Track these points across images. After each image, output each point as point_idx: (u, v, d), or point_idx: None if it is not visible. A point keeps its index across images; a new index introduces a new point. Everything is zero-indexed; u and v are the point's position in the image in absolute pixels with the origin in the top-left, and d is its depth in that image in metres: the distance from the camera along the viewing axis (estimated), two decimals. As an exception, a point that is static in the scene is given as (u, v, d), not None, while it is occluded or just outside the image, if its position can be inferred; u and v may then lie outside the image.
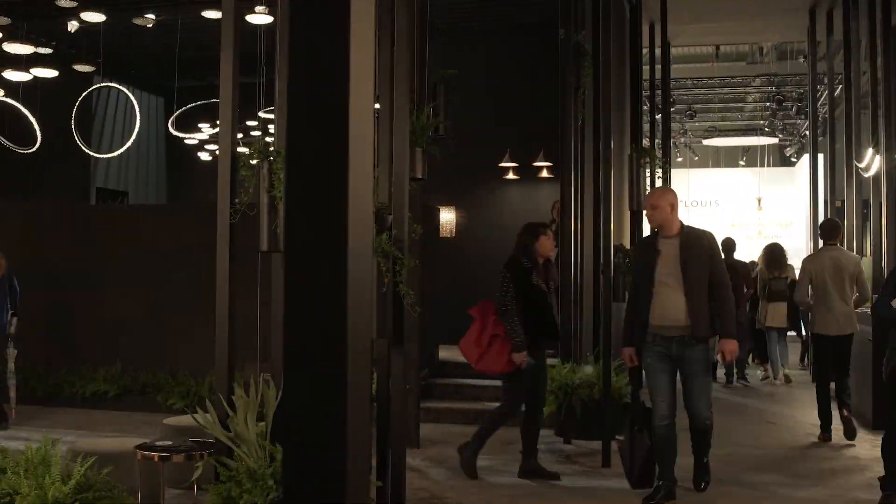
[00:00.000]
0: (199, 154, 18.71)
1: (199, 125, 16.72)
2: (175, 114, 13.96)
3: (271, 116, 13.38)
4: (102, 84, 14.84)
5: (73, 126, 13.70)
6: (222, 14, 5.64)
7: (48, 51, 11.68)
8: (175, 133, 15.26)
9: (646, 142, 15.04)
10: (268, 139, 16.30)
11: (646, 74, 15.52)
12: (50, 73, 10.90)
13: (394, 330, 5.74)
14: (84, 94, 14.21)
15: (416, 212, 6.16)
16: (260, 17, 10.42)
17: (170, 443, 6.05)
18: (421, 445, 8.62)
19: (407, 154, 6.09)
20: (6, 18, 10.07)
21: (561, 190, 9.53)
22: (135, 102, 13.58)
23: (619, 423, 7.50)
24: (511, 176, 14.10)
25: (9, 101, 12.27)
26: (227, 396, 5.32)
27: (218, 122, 15.64)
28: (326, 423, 0.97)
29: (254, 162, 5.36)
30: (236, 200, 5.49)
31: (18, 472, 4.69)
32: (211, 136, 16.56)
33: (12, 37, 10.72)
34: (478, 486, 7.19)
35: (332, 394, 0.96)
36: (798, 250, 22.25)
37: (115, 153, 15.12)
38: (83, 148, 14.22)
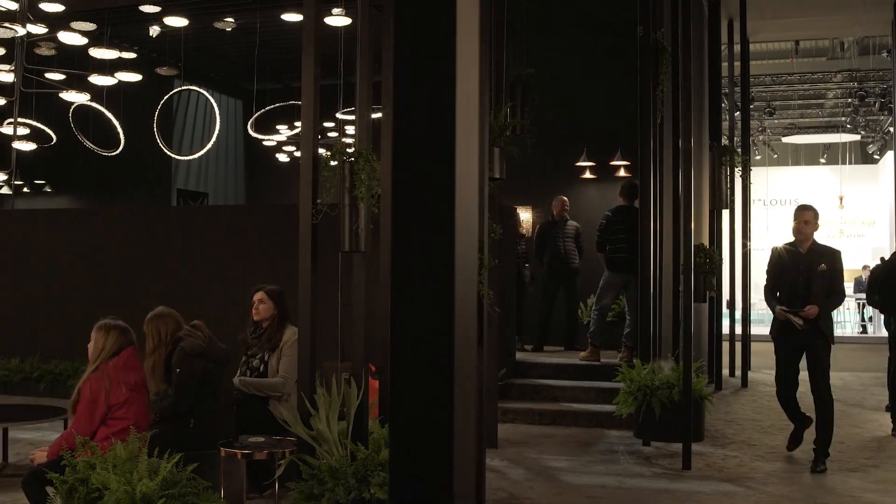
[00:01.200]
0: (277, 155, 18.94)
1: (277, 127, 16.92)
2: (254, 116, 14.15)
3: (349, 118, 13.49)
4: (183, 87, 15.09)
5: (154, 129, 13.96)
6: (304, 17, 5.69)
7: (132, 55, 11.91)
8: (254, 135, 15.47)
9: (724, 140, 14.84)
10: (345, 140, 16.44)
11: (724, 71, 15.31)
12: (134, 77, 11.12)
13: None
14: (166, 98, 14.47)
15: (494, 212, 6.15)
16: (338, 20, 10.50)
17: (253, 440, 6.13)
18: (499, 446, 8.61)
19: (486, 153, 6.09)
20: (92, 24, 10.30)
21: (640, 189, 9.42)
22: (215, 105, 13.79)
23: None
24: (588, 175, 14.02)
25: (94, 104, 12.55)
26: (309, 395, 5.37)
27: (296, 124, 15.85)
28: (435, 421, 0.97)
29: (335, 163, 5.40)
30: (318, 201, 5.54)
31: (107, 468, 4.79)
32: (289, 137, 16.75)
33: (97, 42, 10.95)
34: (557, 486, 7.16)
35: (440, 392, 0.96)
36: (881, 250, 21.75)
37: (196, 155, 15.37)
38: (165, 150, 14.49)
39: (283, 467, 5.40)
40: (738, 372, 13.40)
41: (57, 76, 11.31)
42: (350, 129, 15.99)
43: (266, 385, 7.03)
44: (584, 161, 13.83)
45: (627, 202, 10.68)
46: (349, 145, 5.84)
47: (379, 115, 5.97)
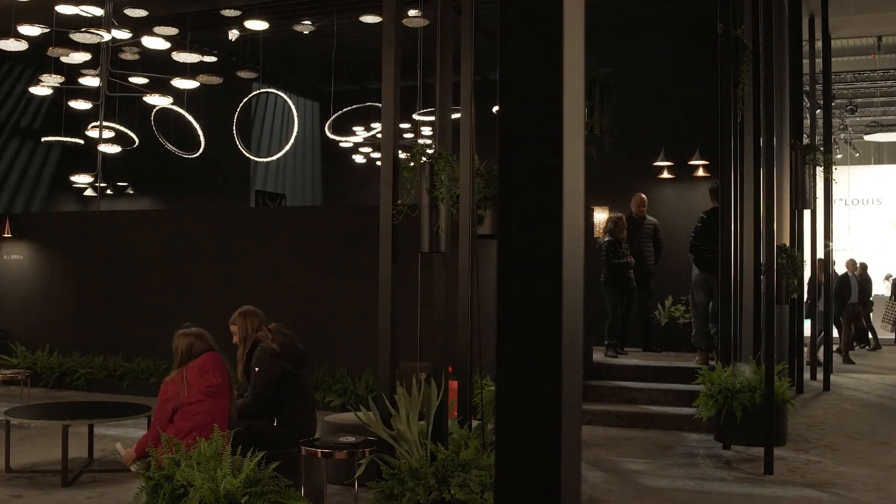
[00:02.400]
0: (353, 157, 19.07)
1: (354, 128, 17.04)
2: (332, 117, 14.26)
3: (426, 119, 13.52)
4: (261, 90, 15.28)
5: (234, 131, 14.15)
6: (384, 19, 5.72)
7: (213, 59, 12.10)
8: (331, 136, 15.60)
9: (805, 138, 14.57)
10: (420, 141, 16.49)
11: (805, 68, 15.03)
12: (215, 81, 11.29)
13: (553, 331, 5.71)
14: (245, 101, 14.66)
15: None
16: (415, 21, 10.53)
17: (334, 439, 6.18)
18: (583, 448, 8.54)
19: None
20: (174, 29, 10.48)
21: (720, 189, 9.30)
22: (293, 107, 13.93)
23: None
24: (666, 175, 13.87)
25: (175, 108, 12.77)
26: (389, 395, 5.39)
27: (372, 126, 15.92)
28: (542, 423, 0.96)
29: (415, 164, 5.41)
30: (398, 201, 5.55)
31: (192, 465, 4.87)
32: (365, 139, 16.86)
33: (179, 46, 11.14)
34: (635, 490, 7.09)
35: (547, 394, 0.95)
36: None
37: (274, 157, 15.55)
38: (244, 152, 14.68)
39: (364, 467, 5.43)
40: (819, 375, 13.15)
41: (140, 80, 11.52)
42: (426, 131, 16.03)
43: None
44: (662, 161, 13.68)
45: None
46: (427, 146, 5.85)
47: (457, 115, 5.97)
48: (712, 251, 10.29)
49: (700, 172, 13.44)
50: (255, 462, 4.89)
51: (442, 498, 4.92)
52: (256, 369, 6.34)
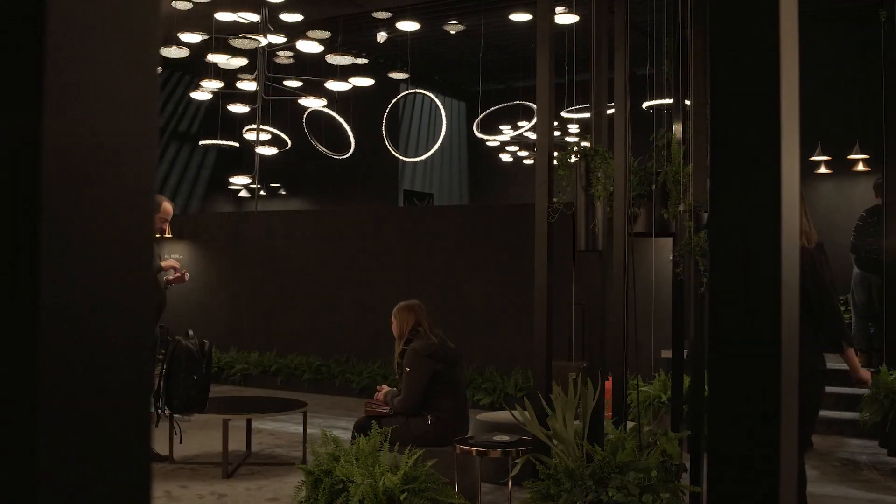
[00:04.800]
0: (501, 155, 19.10)
1: (501, 127, 17.06)
2: (480, 116, 14.30)
3: (573, 116, 13.42)
4: (409, 91, 15.44)
5: (383, 132, 14.34)
6: (537, 17, 5.68)
7: (364, 61, 12.29)
8: (479, 135, 15.66)
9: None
10: (568, 138, 16.38)
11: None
12: (367, 82, 11.47)
13: (712, 331, 5.57)
14: (393, 101, 14.84)
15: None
16: (564, 17, 10.46)
17: (488, 438, 6.17)
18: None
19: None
20: (326, 33, 10.70)
21: (884, 185, 8.92)
22: (440, 107, 14.03)
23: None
24: (823, 170, 13.39)
25: (326, 110, 13.03)
26: (545, 394, 5.36)
27: (519, 124, 15.89)
28: (760, 425, 0.91)
29: (572, 160, 5.36)
30: (554, 199, 5.51)
31: (351, 461, 4.94)
32: (512, 137, 16.86)
33: (330, 49, 11.36)
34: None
35: (766, 391, 0.90)
36: None
37: (423, 157, 15.70)
38: (393, 152, 14.87)
39: (519, 466, 5.41)
40: None
41: (294, 83, 11.79)
42: (573, 128, 15.90)
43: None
44: (819, 156, 13.21)
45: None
46: (577, 144, 5.78)
47: (611, 111, 5.89)
48: (874, 251, 9.87)
49: (860, 167, 12.92)
50: (413, 459, 4.92)
51: (599, 500, 4.85)
52: (408, 369, 6.40)
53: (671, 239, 6.46)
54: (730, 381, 0.93)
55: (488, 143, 18.04)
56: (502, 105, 14.99)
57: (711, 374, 0.95)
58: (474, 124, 14.67)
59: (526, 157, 18.68)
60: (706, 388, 6.32)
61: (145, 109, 0.76)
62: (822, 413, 9.47)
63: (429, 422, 6.35)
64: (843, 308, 12.11)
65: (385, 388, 6.71)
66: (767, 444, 0.91)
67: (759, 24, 0.93)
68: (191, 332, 7.81)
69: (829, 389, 9.84)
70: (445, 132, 14.92)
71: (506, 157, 19.01)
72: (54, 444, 0.70)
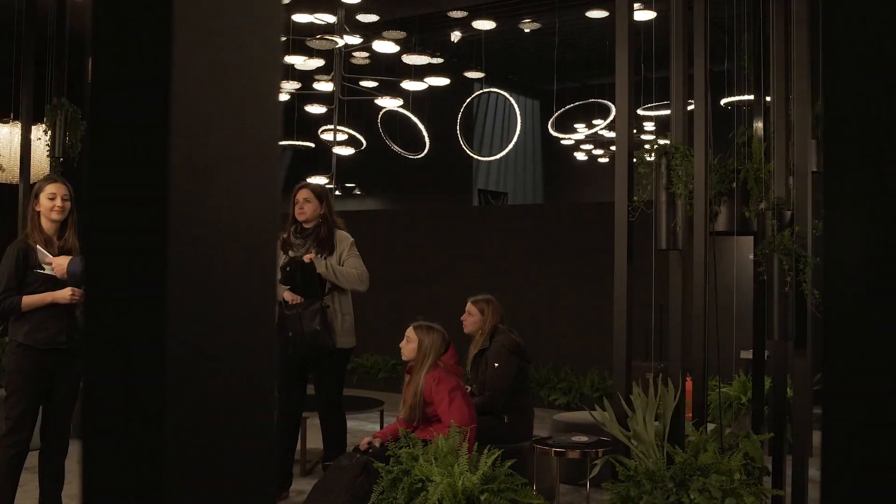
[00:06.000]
0: (575, 154, 18.99)
1: (575, 126, 16.96)
2: (555, 114, 14.24)
3: (649, 113, 13.28)
4: (484, 90, 15.44)
5: (458, 131, 14.34)
6: (616, 14, 5.64)
7: (440, 60, 12.31)
8: (554, 134, 15.58)
9: None
10: (643, 136, 16.21)
11: None
12: (442, 82, 11.50)
13: (796, 331, 5.47)
14: (468, 100, 14.84)
15: (816, 207, 5.84)
16: (641, 14, 10.35)
17: (566, 438, 6.14)
18: (813, 454, 8.15)
19: (808, 146, 5.78)
20: (402, 33, 10.75)
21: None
22: (515, 106, 13.98)
23: None
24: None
25: (400, 109, 13.07)
26: (624, 395, 5.31)
27: (594, 122, 15.77)
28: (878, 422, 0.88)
29: (652, 158, 5.30)
30: (634, 198, 5.46)
31: (430, 461, 4.94)
32: (587, 136, 16.76)
33: (406, 49, 11.39)
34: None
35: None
36: None
37: (498, 156, 15.68)
38: (467, 152, 14.86)
39: (599, 467, 5.37)
40: None
41: (370, 83, 11.86)
42: (648, 126, 15.73)
43: (348, 276, 6.65)
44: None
45: None
46: (655, 141, 5.71)
47: (690, 107, 5.81)
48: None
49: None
50: (491, 459, 4.91)
51: (680, 502, 4.79)
52: (496, 364, 6.37)
53: (751, 237, 6.36)
54: (846, 390, 0.90)
55: (563, 142, 17.95)
56: (577, 103, 14.89)
57: (826, 383, 0.92)
58: (549, 123, 14.59)
59: (601, 156, 18.55)
60: (789, 389, 6.21)
61: (268, 123, 0.76)
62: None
63: (505, 420, 6.33)
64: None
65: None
66: (885, 456, 0.88)
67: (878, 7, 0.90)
68: None
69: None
70: (520, 131, 14.87)
71: (580, 156, 18.89)
72: (183, 430, 0.70)
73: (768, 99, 6.53)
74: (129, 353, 0.69)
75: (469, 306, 6.70)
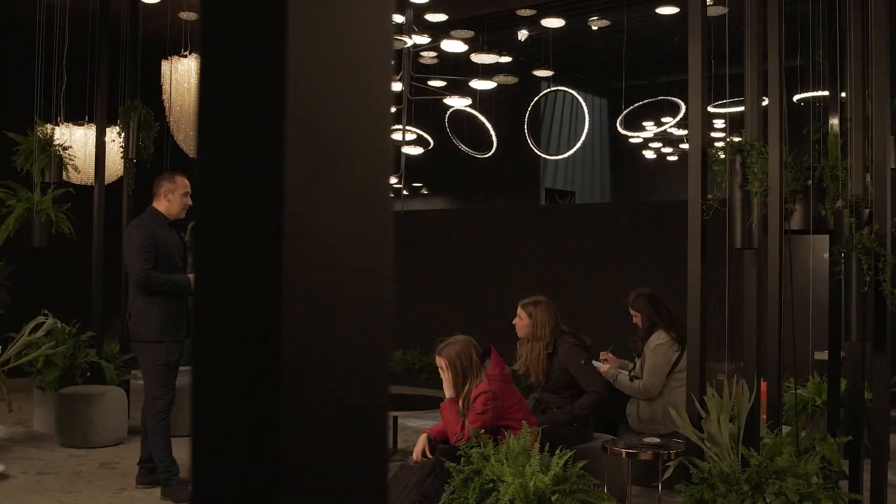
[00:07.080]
0: (643, 152, 18.83)
1: (643, 124, 16.81)
2: (624, 112, 14.13)
3: (719, 111, 13.10)
4: (552, 89, 15.37)
5: (525, 130, 14.30)
6: (689, 10, 5.58)
7: (508, 59, 12.29)
8: (623, 132, 15.47)
9: None
10: (713, 133, 16.00)
11: None
12: (510, 80, 11.47)
13: (875, 332, 5.35)
14: (535, 99, 14.78)
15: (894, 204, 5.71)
16: (711, 10, 10.22)
17: (638, 440, 6.09)
18: (891, 458, 7.97)
19: (887, 142, 5.66)
20: (470, 32, 10.74)
21: None
22: (583, 105, 13.91)
23: None
24: None
25: (467, 109, 13.06)
26: (698, 396, 5.24)
27: (663, 120, 15.60)
28: None
29: (725, 156, 5.23)
30: (708, 196, 5.39)
31: (501, 461, 4.92)
32: (656, 134, 16.61)
33: (473, 48, 11.37)
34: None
35: None
36: None
37: (565, 155, 15.60)
38: (535, 150, 14.81)
39: (671, 469, 5.31)
40: None
41: (438, 83, 11.87)
42: (719, 123, 15.54)
43: (630, 388, 7.05)
44: None
45: None
46: (729, 139, 5.62)
47: (764, 104, 5.72)
48: None
49: None
50: (563, 460, 4.88)
51: (756, 505, 4.71)
52: (581, 362, 6.39)
53: (827, 236, 6.24)
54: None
55: (630, 140, 17.81)
56: (646, 101, 14.76)
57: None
58: (617, 121, 14.49)
59: (670, 154, 18.36)
60: (867, 391, 6.08)
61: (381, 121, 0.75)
62: None
63: (574, 423, 6.31)
64: None
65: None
66: None
67: None
68: None
69: None
70: (588, 129, 14.78)
71: (649, 154, 18.72)
72: (299, 426, 0.70)
73: (843, 95, 6.41)
74: (240, 362, 0.69)
75: (518, 310, 6.68)
